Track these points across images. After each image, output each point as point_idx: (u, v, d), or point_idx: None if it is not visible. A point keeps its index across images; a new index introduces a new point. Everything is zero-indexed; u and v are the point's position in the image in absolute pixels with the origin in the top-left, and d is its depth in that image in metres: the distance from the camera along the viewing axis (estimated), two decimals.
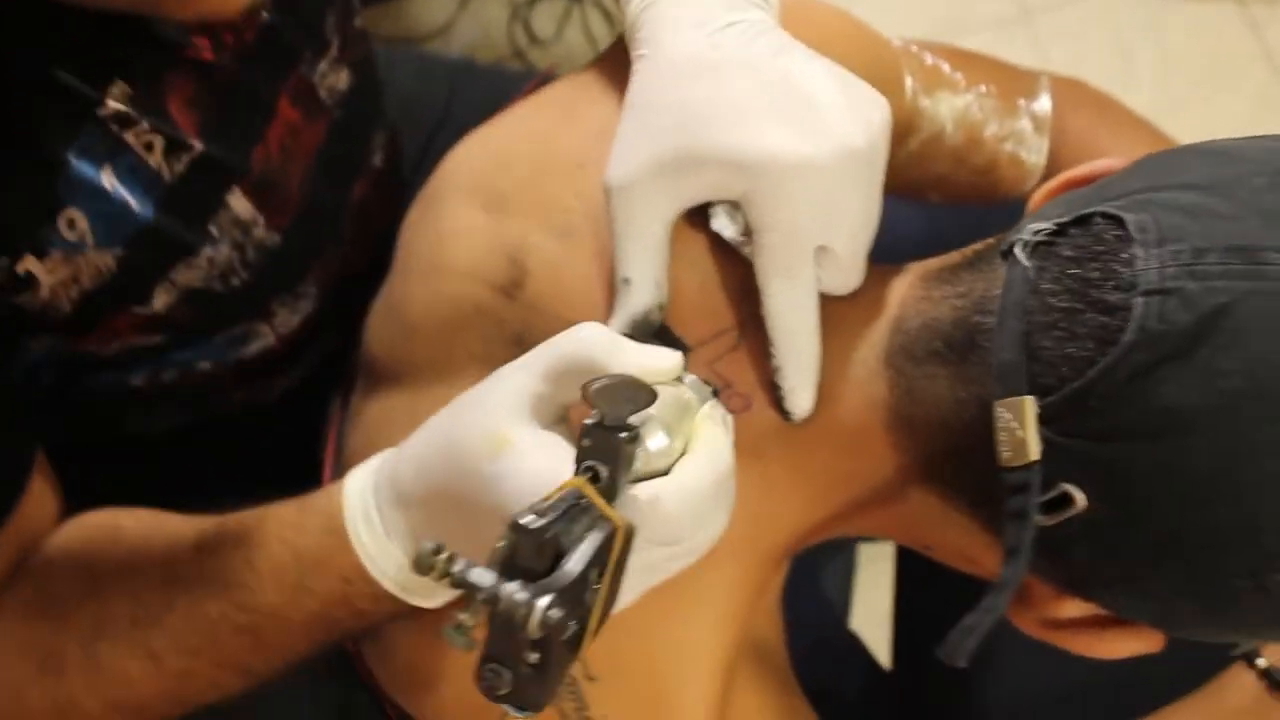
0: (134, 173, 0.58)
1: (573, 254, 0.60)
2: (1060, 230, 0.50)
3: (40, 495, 0.61)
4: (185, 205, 0.62)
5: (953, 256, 0.57)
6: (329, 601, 0.53)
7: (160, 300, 0.64)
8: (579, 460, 0.43)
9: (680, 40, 0.56)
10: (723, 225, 0.57)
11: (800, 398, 0.56)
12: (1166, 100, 1.49)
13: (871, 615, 1.06)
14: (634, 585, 0.46)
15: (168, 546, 0.57)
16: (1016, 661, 0.79)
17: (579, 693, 0.55)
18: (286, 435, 0.86)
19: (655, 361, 0.48)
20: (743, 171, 0.53)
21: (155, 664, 0.55)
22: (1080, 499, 0.47)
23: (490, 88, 0.94)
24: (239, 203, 0.65)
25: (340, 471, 0.70)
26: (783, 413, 0.56)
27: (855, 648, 1.01)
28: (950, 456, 0.52)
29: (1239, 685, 0.68)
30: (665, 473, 0.46)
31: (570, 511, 0.40)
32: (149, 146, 0.59)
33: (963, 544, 0.55)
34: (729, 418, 0.51)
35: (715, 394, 0.54)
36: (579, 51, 1.18)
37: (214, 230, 0.64)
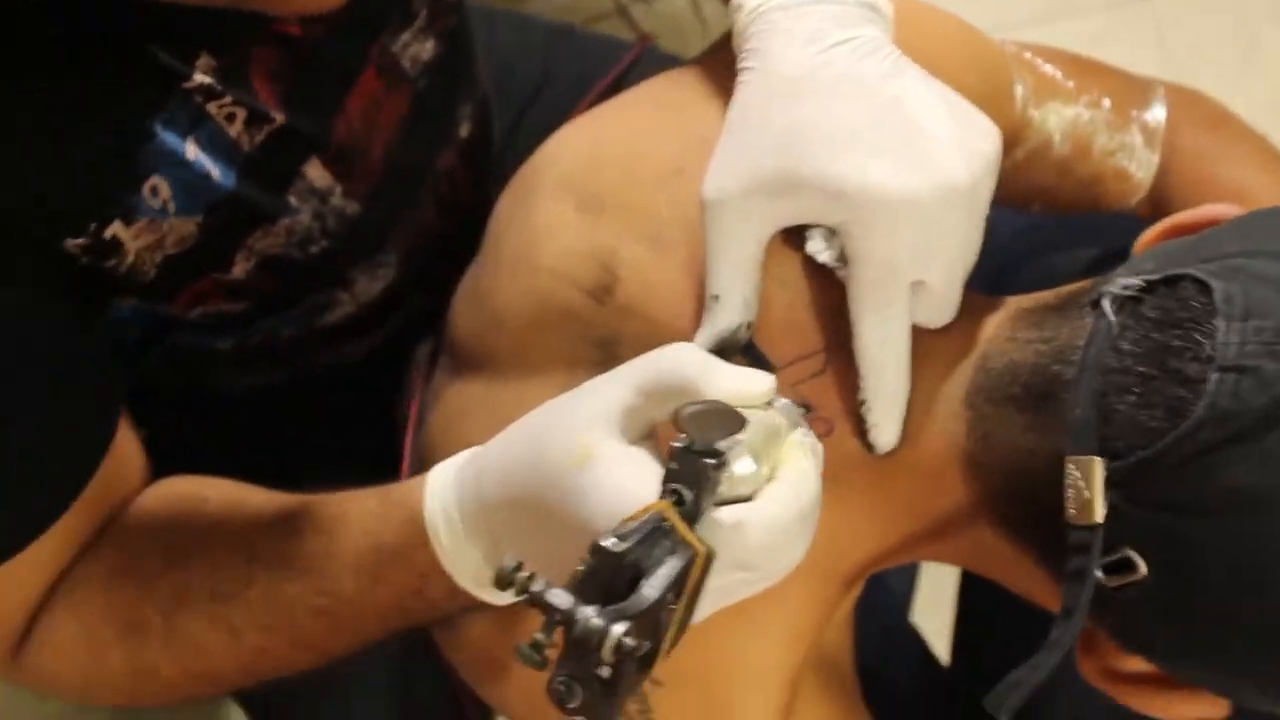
0: (215, 143, 0.59)
1: (664, 263, 0.59)
2: (1149, 288, 0.49)
3: (125, 456, 0.62)
4: (264, 174, 0.62)
5: (1045, 296, 0.56)
6: (404, 593, 0.54)
7: (239, 267, 0.65)
8: (665, 481, 0.43)
9: (790, 55, 0.55)
10: (818, 249, 0.56)
11: (885, 433, 0.55)
12: None
13: (934, 610, 1.06)
14: (707, 605, 0.46)
15: (250, 523, 0.58)
16: (1079, 683, 0.79)
17: (643, 696, 0.56)
18: (369, 393, 0.87)
19: (748, 386, 0.48)
20: (841, 201, 0.52)
21: (233, 638, 0.56)
22: (1142, 566, 0.47)
23: (588, 55, 0.93)
24: (316, 172, 0.65)
25: (419, 447, 0.71)
26: (866, 445, 0.56)
27: (914, 639, 1.00)
28: (1020, 504, 0.52)
29: None
30: (750, 498, 0.46)
31: (652, 535, 0.41)
32: (230, 118, 0.59)
33: (1030, 586, 0.55)
34: (819, 446, 0.51)
35: (806, 412, 0.54)
36: (682, 12, 1.17)
37: (293, 199, 0.65)
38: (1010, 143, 0.65)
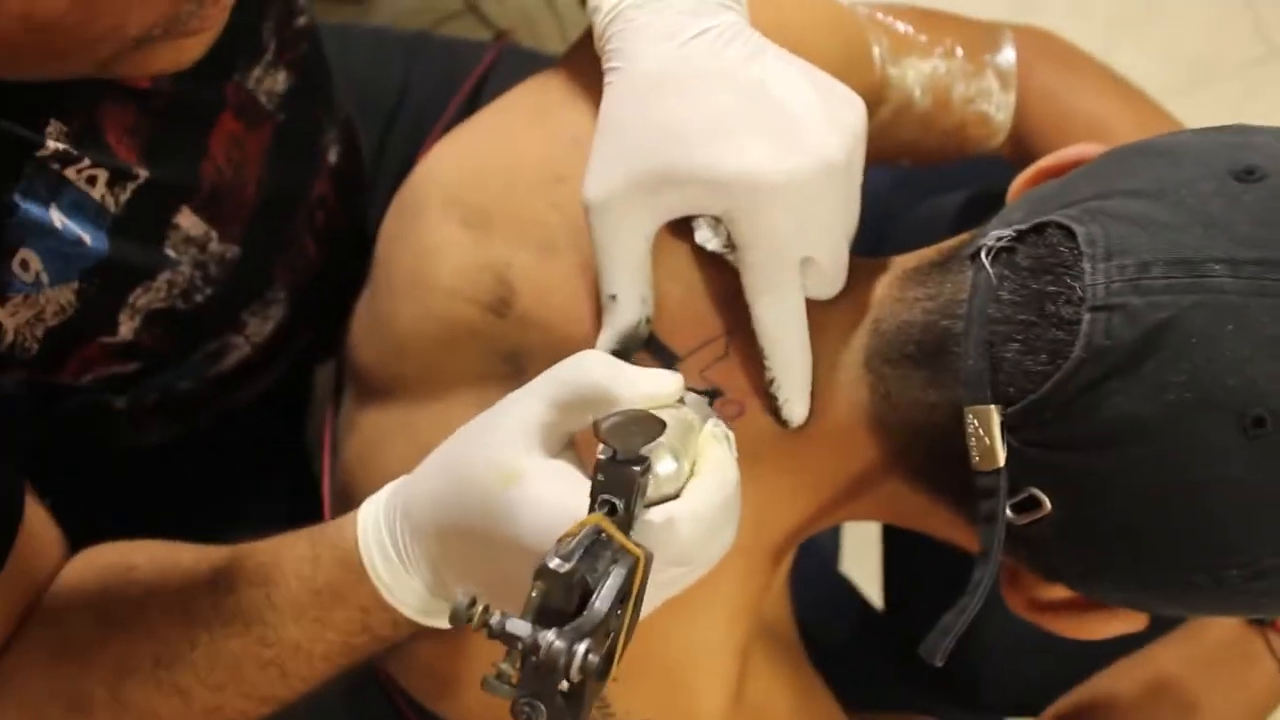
0: (80, 208, 0.57)
1: (557, 270, 0.60)
2: (1020, 237, 0.51)
3: (37, 532, 0.60)
4: (136, 232, 0.61)
5: (928, 253, 0.58)
6: (349, 632, 0.54)
7: (126, 327, 0.63)
8: (594, 495, 0.44)
9: (651, 52, 0.55)
10: (706, 238, 0.58)
11: (797, 407, 0.57)
12: None
13: (862, 558, 1.09)
14: (650, 601, 0.48)
15: (184, 583, 0.57)
16: (1012, 618, 0.82)
17: (601, 694, 0.57)
18: (276, 430, 0.86)
19: (659, 388, 0.49)
20: (721, 190, 0.53)
21: (184, 700, 0.56)
22: (1047, 502, 0.49)
23: (446, 61, 0.93)
24: (188, 220, 0.64)
25: (337, 479, 0.71)
26: (780, 421, 0.57)
27: (847, 591, 1.03)
28: (929, 457, 0.54)
29: (1220, 621, 0.71)
30: (675, 495, 0.47)
31: (593, 548, 0.42)
32: (92, 180, 0.58)
33: (950, 533, 0.57)
34: (730, 434, 0.52)
35: (712, 400, 0.55)
36: (533, 4, 1.16)
37: (170, 252, 0.63)
38: (874, 104, 0.67)
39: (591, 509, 0.44)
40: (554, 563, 0.40)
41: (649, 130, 0.54)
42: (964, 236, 0.56)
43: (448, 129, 0.71)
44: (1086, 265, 0.47)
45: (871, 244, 0.95)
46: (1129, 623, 0.55)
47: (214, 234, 0.66)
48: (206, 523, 0.68)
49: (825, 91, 0.55)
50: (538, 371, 0.51)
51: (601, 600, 0.40)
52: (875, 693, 0.93)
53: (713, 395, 0.57)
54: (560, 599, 0.40)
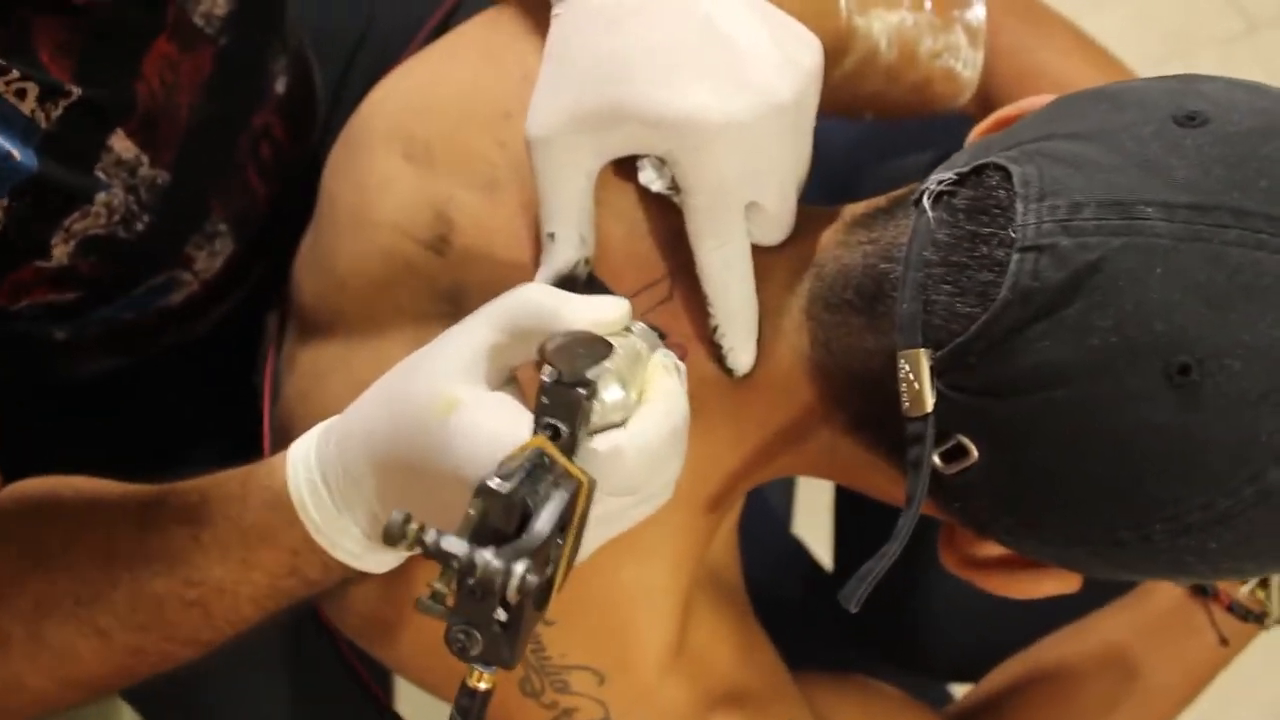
0: (8, 121, 0.56)
1: (499, 208, 0.59)
2: (960, 180, 0.50)
3: None
4: (66, 151, 0.59)
5: (878, 201, 0.57)
6: (277, 574, 0.53)
7: (60, 251, 0.62)
8: (538, 417, 0.43)
9: None
10: (650, 179, 0.57)
11: (743, 354, 0.56)
12: None
13: (814, 521, 1.09)
14: (594, 537, 0.47)
15: (109, 521, 0.56)
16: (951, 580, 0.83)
17: (536, 635, 0.56)
18: (224, 367, 0.85)
19: (604, 313, 0.47)
20: (664, 130, 0.52)
21: (104, 641, 0.54)
22: (973, 451, 0.48)
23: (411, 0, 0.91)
24: (121, 143, 0.62)
25: (277, 417, 0.70)
26: (725, 369, 0.56)
27: (798, 551, 1.03)
28: (866, 405, 0.53)
29: (1163, 589, 0.71)
30: (622, 424, 0.46)
31: (534, 472, 0.41)
32: (21, 94, 0.56)
33: (891, 490, 0.55)
34: (681, 365, 0.51)
35: (662, 338, 0.55)
36: None
37: (101, 175, 0.62)
38: (838, 53, 0.66)
39: (535, 432, 0.43)
40: (494, 482, 0.39)
41: (593, 65, 0.53)
42: (913, 185, 0.55)
43: None
44: (1019, 206, 0.46)
45: (835, 199, 0.94)
46: (1062, 583, 0.54)
47: (145, 158, 0.64)
48: (148, 460, 0.67)
49: (779, 30, 0.54)
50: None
51: (542, 523, 0.40)
52: (820, 651, 0.93)
53: (660, 335, 0.57)
54: (499, 519, 0.39)
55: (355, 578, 0.55)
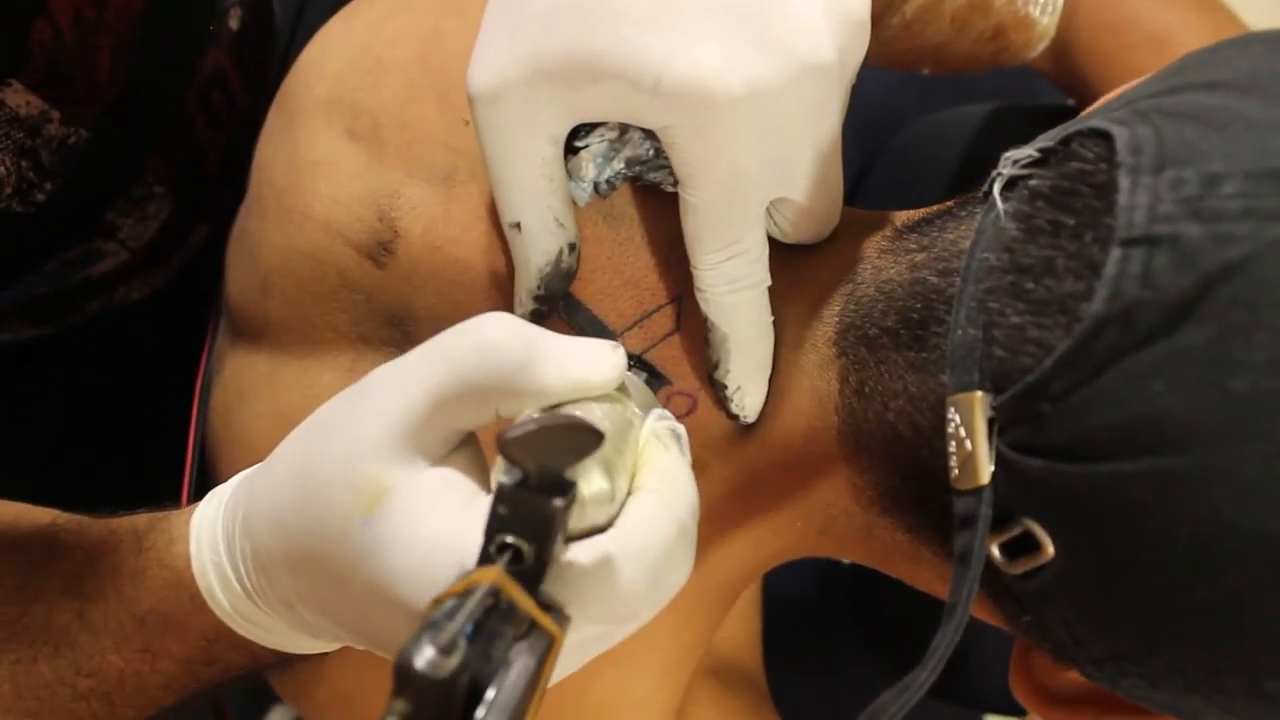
0: None
1: (457, 206, 0.45)
2: (1045, 158, 0.37)
3: None
4: None
5: (943, 205, 0.43)
6: (191, 662, 0.41)
7: None
8: (490, 534, 0.31)
9: None
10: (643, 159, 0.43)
11: (749, 396, 0.43)
12: None
13: None
14: (569, 664, 0.36)
15: None
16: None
17: None
18: (163, 335, 0.74)
19: (590, 373, 0.35)
20: (661, 98, 0.38)
21: None
22: (1048, 545, 0.34)
23: None
24: (18, 99, 0.51)
25: (201, 430, 0.58)
26: (729, 415, 0.44)
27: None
28: (910, 478, 0.39)
29: None
30: (607, 525, 0.33)
31: (487, 621, 0.29)
32: None
33: (940, 590, 0.42)
34: (681, 431, 0.38)
35: (657, 389, 0.42)
36: None
37: None
38: None
39: (486, 554, 0.31)
40: (422, 662, 0.27)
41: (566, 1, 0.39)
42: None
43: None
44: (1124, 181, 0.33)
45: (869, 156, 0.82)
46: None
47: (56, 114, 0.53)
48: (70, 438, 0.56)
49: None
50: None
51: (500, 708, 0.28)
52: (833, 646, 0.84)
53: (656, 382, 0.44)
54: (434, 713, 0.28)
55: (295, 658, 0.44)
